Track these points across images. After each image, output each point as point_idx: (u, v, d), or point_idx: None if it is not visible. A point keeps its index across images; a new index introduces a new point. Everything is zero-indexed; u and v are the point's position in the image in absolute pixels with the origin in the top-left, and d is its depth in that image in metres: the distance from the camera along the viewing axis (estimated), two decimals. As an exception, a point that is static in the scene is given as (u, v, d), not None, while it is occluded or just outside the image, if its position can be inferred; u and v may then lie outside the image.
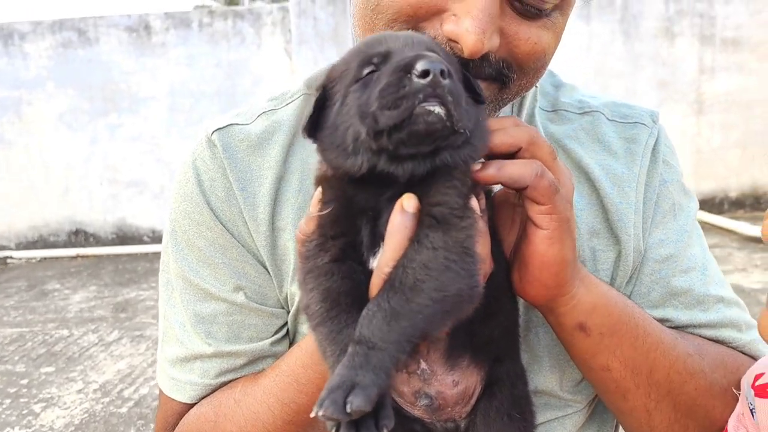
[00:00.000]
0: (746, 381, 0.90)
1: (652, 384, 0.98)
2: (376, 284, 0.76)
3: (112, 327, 5.91)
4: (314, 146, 0.83)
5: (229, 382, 1.10)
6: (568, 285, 0.91)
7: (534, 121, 1.14)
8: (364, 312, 0.73)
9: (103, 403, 4.42)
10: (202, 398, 1.11)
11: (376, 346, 0.69)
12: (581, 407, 1.12)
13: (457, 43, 0.86)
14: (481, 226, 0.78)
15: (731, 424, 0.94)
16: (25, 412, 4.36)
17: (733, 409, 0.96)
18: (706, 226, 8.15)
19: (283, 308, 1.12)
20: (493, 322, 0.88)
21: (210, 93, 8.85)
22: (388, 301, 0.71)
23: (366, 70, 0.76)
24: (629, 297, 1.09)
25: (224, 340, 1.09)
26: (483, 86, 0.86)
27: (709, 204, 8.89)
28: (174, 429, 1.13)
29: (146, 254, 8.51)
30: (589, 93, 1.23)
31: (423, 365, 0.86)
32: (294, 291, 1.08)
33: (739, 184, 9.03)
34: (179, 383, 1.12)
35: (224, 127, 1.12)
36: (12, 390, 4.71)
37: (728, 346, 1.08)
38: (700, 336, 1.07)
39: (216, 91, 8.85)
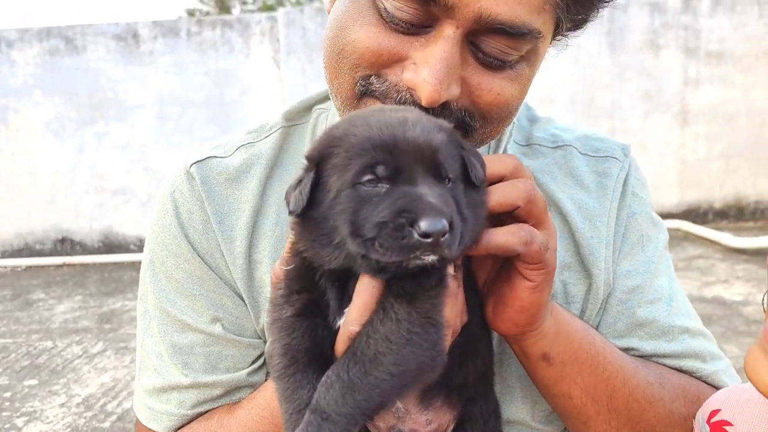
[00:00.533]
0: (701, 416, 0.91)
1: (612, 411, 1.01)
2: (342, 340, 0.79)
3: (96, 338, 5.86)
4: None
5: (206, 412, 1.11)
6: (539, 322, 0.94)
7: (507, 156, 1.16)
8: (324, 378, 0.75)
9: (85, 417, 4.38)
10: (179, 428, 1.12)
11: (329, 418, 0.73)
12: (552, 437, 1.14)
13: (416, 91, 0.88)
14: (453, 287, 0.80)
15: None
16: (7, 426, 4.31)
17: None
18: (690, 237, 8.24)
19: (260, 338, 1.13)
20: (468, 367, 0.91)
21: (198, 102, 8.84)
22: (347, 371, 0.74)
23: (366, 177, 0.73)
24: (597, 327, 1.11)
25: (201, 371, 1.10)
26: None
27: (693, 214, 8.99)
28: (151, 458, 1.14)
29: (132, 263, 8.45)
30: (563, 126, 1.26)
31: (398, 404, 0.88)
32: None
33: (722, 194, 9.14)
34: (156, 413, 1.12)
35: (203, 159, 1.14)
36: (-5, 403, 4.66)
37: (692, 376, 1.10)
38: (663, 365, 1.10)
39: (204, 99, 8.84)
